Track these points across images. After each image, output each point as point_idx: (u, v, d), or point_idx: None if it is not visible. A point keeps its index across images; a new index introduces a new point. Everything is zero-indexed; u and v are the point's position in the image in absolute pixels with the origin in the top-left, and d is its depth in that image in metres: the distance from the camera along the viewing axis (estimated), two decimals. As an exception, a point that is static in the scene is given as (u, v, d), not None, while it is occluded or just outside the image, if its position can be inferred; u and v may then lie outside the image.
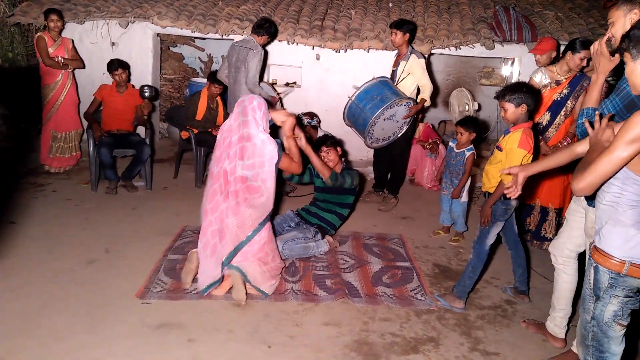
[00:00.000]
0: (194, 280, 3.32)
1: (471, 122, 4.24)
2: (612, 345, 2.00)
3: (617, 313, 1.96)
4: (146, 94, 5.16)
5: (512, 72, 6.74)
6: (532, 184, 3.39)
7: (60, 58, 5.34)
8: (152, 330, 2.83)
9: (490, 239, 3.22)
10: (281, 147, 3.31)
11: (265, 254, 3.33)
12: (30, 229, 4.03)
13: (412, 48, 4.91)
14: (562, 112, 3.96)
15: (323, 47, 6.05)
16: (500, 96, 3.08)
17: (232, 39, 5.81)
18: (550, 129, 4.02)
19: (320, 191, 4.23)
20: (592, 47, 2.47)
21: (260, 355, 2.70)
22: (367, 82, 4.71)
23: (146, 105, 5.22)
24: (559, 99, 3.93)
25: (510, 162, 3.03)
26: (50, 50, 5.30)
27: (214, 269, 3.21)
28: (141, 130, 5.64)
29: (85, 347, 2.64)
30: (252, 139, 3.19)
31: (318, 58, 6.26)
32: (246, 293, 3.19)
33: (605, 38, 2.43)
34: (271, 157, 3.22)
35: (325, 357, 2.72)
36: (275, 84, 6.24)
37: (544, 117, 4.03)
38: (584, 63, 3.82)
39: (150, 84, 6.30)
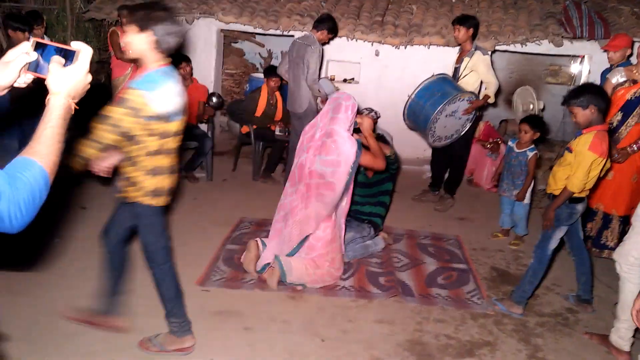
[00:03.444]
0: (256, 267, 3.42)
1: (537, 121, 4.10)
2: None
3: None
4: (213, 101, 5.40)
5: (581, 70, 6.44)
6: (597, 186, 3.23)
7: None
8: (211, 316, 2.94)
9: (553, 244, 3.11)
10: (360, 147, 3.31)
11: (326, 253, 3.33)
12: (99, 214, 4.20)
13: (476, 44, 4.79)
14: (636, 113, 3.75)
15: (383, 43, 6.01)
16: (565, 101, 2.97)
17: (293, 35, 5.88)
18: (621, 129, 3.82)
19: (360, 186, 4.10)
20: None
21: (313, 347, 2.74)
22: (426, 79, 4.64)
23: (209, 110, 5.44)
24: (633, 98, 3.73)
25: (578, 164, 2.91)
26: (122, 44, 5.55)
27: (276, 251, 3.37)
28: (203, 124, 5.82)
29: (148, 328, 2.76)
30: (333, 136, 3.23)
31: (377, 54, 6.22)
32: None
33: None
34: (347, 156, 3.21)
35: (377, 354, 2.72)
36: (333, 79, 6.26)
37: (615, 117, 3.83)
38: None
39: (213, 78, 6.51)
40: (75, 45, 1.25)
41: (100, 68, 6.88)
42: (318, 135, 3.32)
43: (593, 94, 2.88)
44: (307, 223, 3.28)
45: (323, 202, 3.26)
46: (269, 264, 3.36)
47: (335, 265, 3.40)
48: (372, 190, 4.12)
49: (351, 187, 3.40)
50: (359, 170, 3.98)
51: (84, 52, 1.25)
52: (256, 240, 3.44)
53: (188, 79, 5.40)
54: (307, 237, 3.31)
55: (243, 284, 3.33)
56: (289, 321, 2.95)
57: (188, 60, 5.37)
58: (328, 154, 3.21)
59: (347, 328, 2.94)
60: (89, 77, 1.27)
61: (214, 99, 5.48)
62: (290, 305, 3.13)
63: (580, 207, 3.08)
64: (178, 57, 5.34)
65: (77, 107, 1.27)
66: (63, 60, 1.24)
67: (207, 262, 3.56)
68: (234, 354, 2.63)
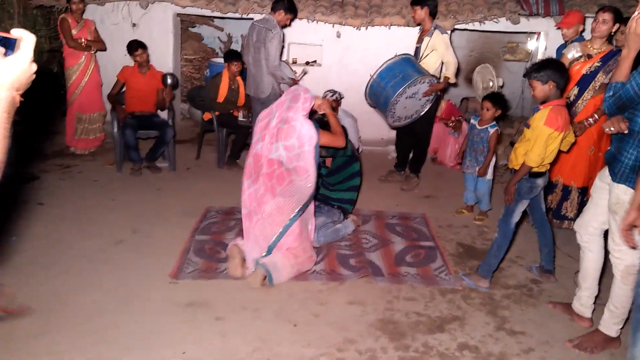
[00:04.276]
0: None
1: (499, 98, 4.17)
2: None
3: None
4: (168, 81, 5.21)
5: (537, 47, 6.57)
6: (556, 160, 3.33)
7: (83, 40, 5.37)
8: (181, 308, 2.89)
9: (516, 217, 3.19)
10: (318, 127, 3.30)
11: (299, 244, 3.28)
12: (58, 210, 4.11)
13: (435, 24, 4.81)
14: (591, 87, 3.85)
15: (344, 25, 5.97)
16: (527, 74, 3.02)
17: (252, 18, 5.76)
18: (578, 103, 3.92)
19: (327, 175, 4.05)
20: (628, 25, 2.39)
21: (286, 333, 2.73)
22: (389, 60, 4.63)
23: (168, 92, 5.27)
24: (588, 72, 3.82)
25: (535, 139, 2.97)
26: (74, 32, 5.33)
27: (255, 252, 3.27)
28: (163, 112, 5.67)
29: (116, 324, 2.71)
30: (290, 122, 3.20)
31: (339, 36, 6.18)
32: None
33: (639, 14, 2.34)
34: (310, 136, 3.21)
35: (350, 335, 2.74)
36: (296, 62, 6.19)
37: (572, 92, 3.93)
38: (606, 26, 3.69)
39: (171, 64, 6.34)
40: (16, 32, 1.16)
41: (52, 57, 6.60)
42: (274, 123, 3.26)
43: (554, 70, 2.92)
44: (280, 215, 3.21)
45: (296, 191, 3.19)
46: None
47: (308, 252, 3.38)
48: (341, 176, 4.03)
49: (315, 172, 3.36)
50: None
51: (26, 39, 1.16)
52: (236, 245, 3.33)
53: (145, 66, 5.24)
54: (283, 231, 3.22)
55: (218, 273, 3.28)
56: (260, 309, 2.93)
57: (144, 47, 5.21)
58: (287, 139, 3.18)
59: (319, 312, 2.94)
60: (34, 67, 1.19)
61: (169, 80, 5.27)
62: (261, 292, 3.11)
63: (540, 182, 3.15)
64: (133, 44, 5.17)
65: (22, 99, 1.19)
66: (3, 50, 1.15)
67: (176, 254, 3.50)
68: (205, 345, 2.60)
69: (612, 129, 2.55)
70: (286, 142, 3.18)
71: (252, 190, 3.28)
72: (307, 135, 3.20)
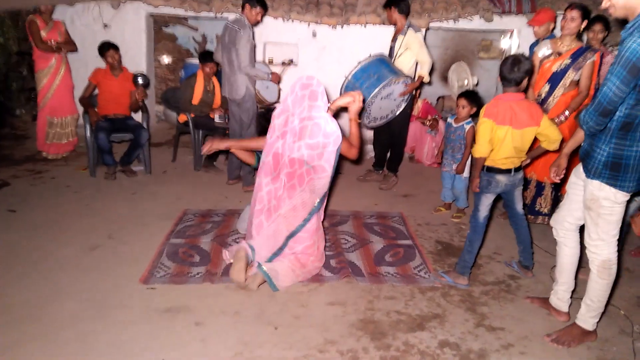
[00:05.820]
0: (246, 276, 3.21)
1: (474, 96, 4.21)
2: None
3: None
4: (140, 82, 5.11)
5: (510, 44, 6.66)
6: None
7: (53, 42, 5.25)
8: (159, 314, 2.84)
9: (482, 212, 3.22)
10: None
11: (312, 244, 3.24)
12: (31, 217, 4.01)
13: (410, 22, 4.83)
14: (562, 84, 3.92)
15: (319, 23, 5.97)
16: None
17: (227, 18, 5.71)
18: (549, 101, 3.98)
19: None
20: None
21: (267, 336, 2.71)
22: (363, 60, 4.64)
23: (140, 92, 5.17)
24: (559, 70, 3.89)
25: (477, 130, 3.08)
26: (43, 33, 5.21)
27: (265, 250, 3.23)
28: (137, 114, 5.58)
29: (93, 333, 2.64)
30: (314, 119, 3.08)
31: (314, 35, 6.17)
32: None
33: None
34: (337, 137, 3.09)
35: (331, 336, 2.73)
36: (272, 62, 6.16)
37: (543, 89, 3.99)
38: (574, 24, 3.76)
39: (144, 65, 6.24)
40: None
41: (21, 59, 6.44)
42: (296, 121, 3.15)
43: (501, 67, 3.05)
44: (295, 215, 3.17)
45: (313, 189, 3.15)
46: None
47: (319, 255, 3.32)
48: None
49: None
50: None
51: None
52: (245, 248, 3.24)
53: (117, 68, 5.15)
54: (294, 232, 3.20)
55: (189, 278, 3.24)
56: (240, 312, 2.90)
57: (116, 48, 5.11)
58: (312, 137, 3.08)
59: (300, 313, 2.93)
60: None
61: (140, 80, 5.17)
62: (241, 296, 3.08)
63: (501, 178, 3.16)
64: (105, 45, 5.08)
65: None
66: None
67: (151, 258, 3.44)
68: (185, 351, 2.56)
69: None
70: (310, 141, 3.08)
71: (271, 188, 3.21)
72: (333, 134, 3.09)
